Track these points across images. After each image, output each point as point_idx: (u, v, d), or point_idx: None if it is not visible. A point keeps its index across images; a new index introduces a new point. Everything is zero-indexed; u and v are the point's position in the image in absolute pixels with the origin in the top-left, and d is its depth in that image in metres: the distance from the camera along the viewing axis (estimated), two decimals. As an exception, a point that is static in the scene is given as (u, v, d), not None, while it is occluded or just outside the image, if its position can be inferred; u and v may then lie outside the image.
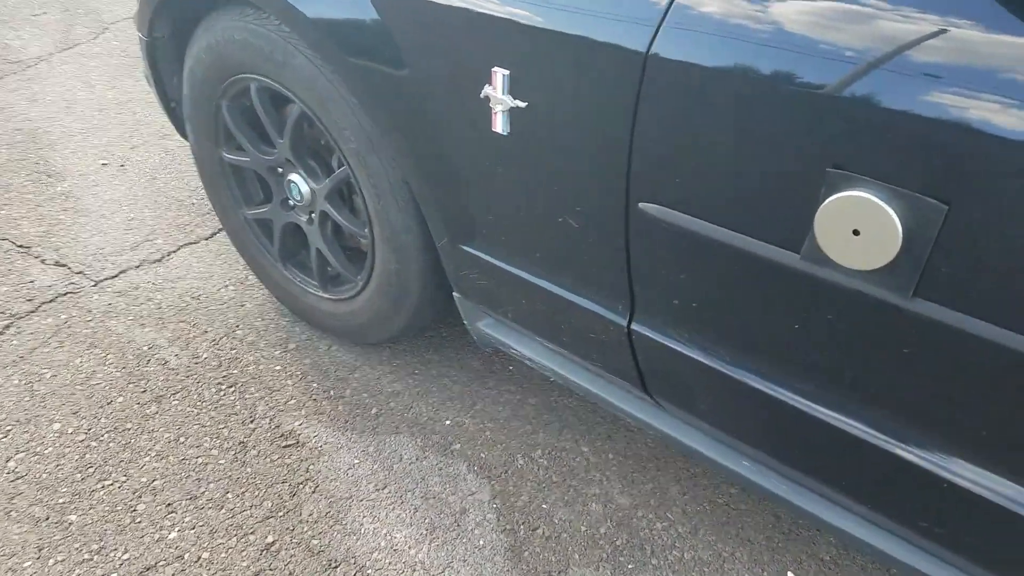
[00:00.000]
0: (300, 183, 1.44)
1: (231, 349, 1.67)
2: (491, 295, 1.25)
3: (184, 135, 1.74)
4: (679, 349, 1.00)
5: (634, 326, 1.04)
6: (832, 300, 0.80)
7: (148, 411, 1.51)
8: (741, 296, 0.89)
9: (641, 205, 0.91)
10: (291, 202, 1.51)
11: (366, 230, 1.36)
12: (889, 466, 0.87)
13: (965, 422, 0.78)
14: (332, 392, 1.59)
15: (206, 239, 2.03)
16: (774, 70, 0.73)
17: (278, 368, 1.63)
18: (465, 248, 1.21)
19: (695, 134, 0.81)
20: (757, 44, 0.74)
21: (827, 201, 0.73)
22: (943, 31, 0.65)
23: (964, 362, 0.74)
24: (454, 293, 1.34)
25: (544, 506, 1.36)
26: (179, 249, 1.99)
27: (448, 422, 1.53)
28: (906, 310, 0.75)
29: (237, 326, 1.74)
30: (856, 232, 0.73)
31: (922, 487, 0.85)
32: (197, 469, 1.40)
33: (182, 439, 1.46)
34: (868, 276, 0.75)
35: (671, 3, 0.80)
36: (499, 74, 0.95)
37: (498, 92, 0.97)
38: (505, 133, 1.00)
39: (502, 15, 0.92)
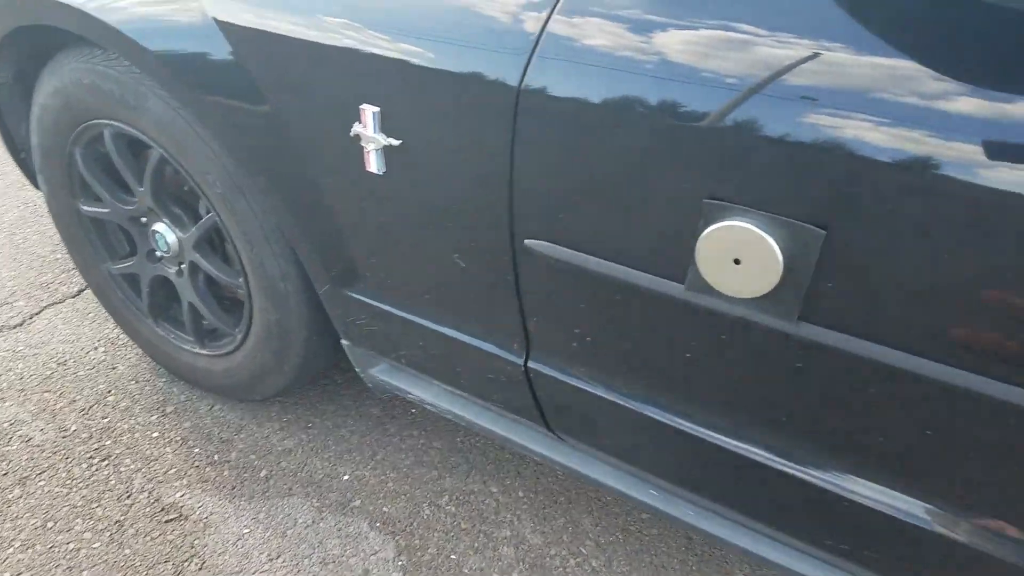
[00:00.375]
0: (166, 233, 1.34)
1: (103, 418, 1.53)
2: (381, 340, 1.19)
3: (38, 186, 1.60)
4: (577, 384, 0.98)
5: (531, 364, 1.01)
6: (720, 329, 0.79)
7: (10, 496, 1.36)
8: (633, 329, 0.86)
9: (527, 242, 0.88)
10: (158, 253, 1.40)
11: (240, 279, 1.27)
12: (788, 486, 0.86)
13: (859, 440, 0.78)
14: (216, 456, 1.47)
15: (72, 297, 1.87)
16: (647, 100, 0.71)
17: (156, 435, 1.50)
18: (349, 294, 1.14)
19: (573, 167, 0.78)
20: (630, 73, 0.72)
21: (706, 232, 0.72)
22: (816, 55, 0.65)
23: (853, 382, 0.74)
24: (342, 340, 1.27)
25: (453, 556, 1.30)
26: (42, 311, 1.82)
27: (346, 477, 1.44)
28: (793, 335, 0.74)
29: (109, 391, 1.60)
30: (737, 261, 0.72)
31: (821, 504, 0.85)
32: (68, 556, 1.26)
33: (50, 524, 1.31)
34: (753, 304, 0.74)
35: (542, 33, 0.77)
36: (369, 111, 0.90)
37: (369, 130, 0.91)
38: (380, 172, 0.94)
39: (368, 50, 0.87)
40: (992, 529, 0.76)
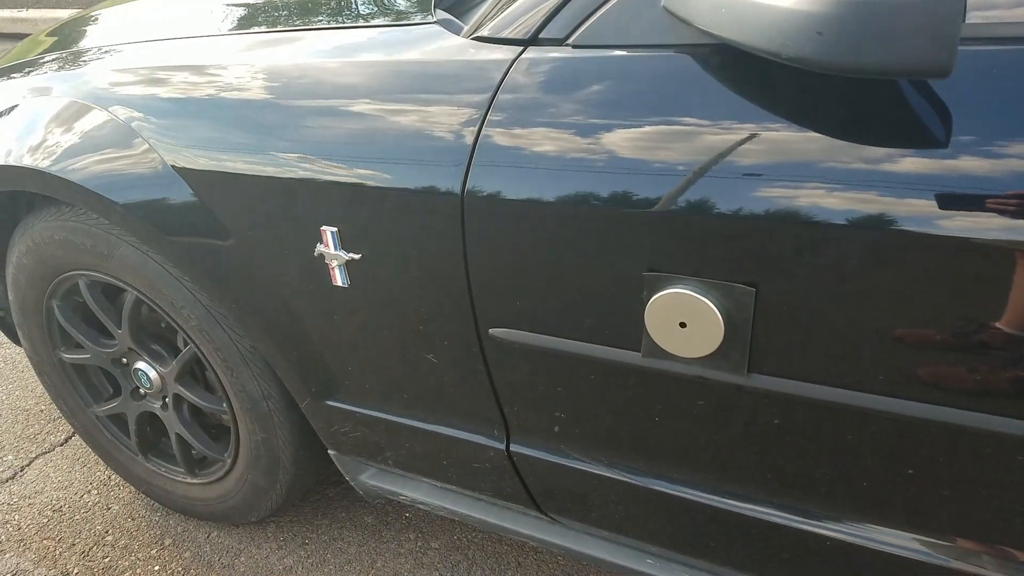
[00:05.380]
0: (147, 370, 1.37)
1: (103, 558, 1.52)
2: (367, 445, 1.21)
3: (18, 342, 1.63)
4: (559, 462, 1.00)
5: (513, 448, 1.04)
6: (682, 389, 0.83)
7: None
8: (602, 400, 0.91)
9: (492, 331, 0.92)
10: (142, 391, 1.43)
11: (224, 405, 1.30)
12: (772, 535, 0.89)
13: (838, 481, 0.81)
14: (218, 584, 1.46)
15: (60, 445, 1.87)
16: (579, 191, 0.78)
17: (157, 568, 1.49)
18: (331, 403, 1.17)
19: (522, 258, 0.84)
20: (557, 170, 0.79)
21: (651, 301, 0.77)
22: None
23: (810, 423, 0.78)
24: (329, 451, 1.29)
25: (465, 655, 1.28)
26: (32, 462, 1.82)
27: (349, 588, 1.43)
28: (747, 387, 0.79)
29: (106, 532, 1.59)
30: (683, 324, 0.77)
31: (811, 551, 0.87)
32: None
33: None
34: (705, 362, 0.79)
35: (476, 142, 0.85)
36: (328, 232, 0.96)
37: (330, 248, 0.97)
38: (345, 285, 1.00)
39: (321, 177, 0.94)
40: (963, 549, 0.79)
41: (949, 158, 0.63)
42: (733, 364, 0.78)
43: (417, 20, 1.01)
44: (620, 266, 0.79)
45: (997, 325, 0.64)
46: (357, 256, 0.96)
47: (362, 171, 0.91)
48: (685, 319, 0.77)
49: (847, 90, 0.68)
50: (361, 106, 0.93)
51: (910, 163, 0.64)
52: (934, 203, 0.63)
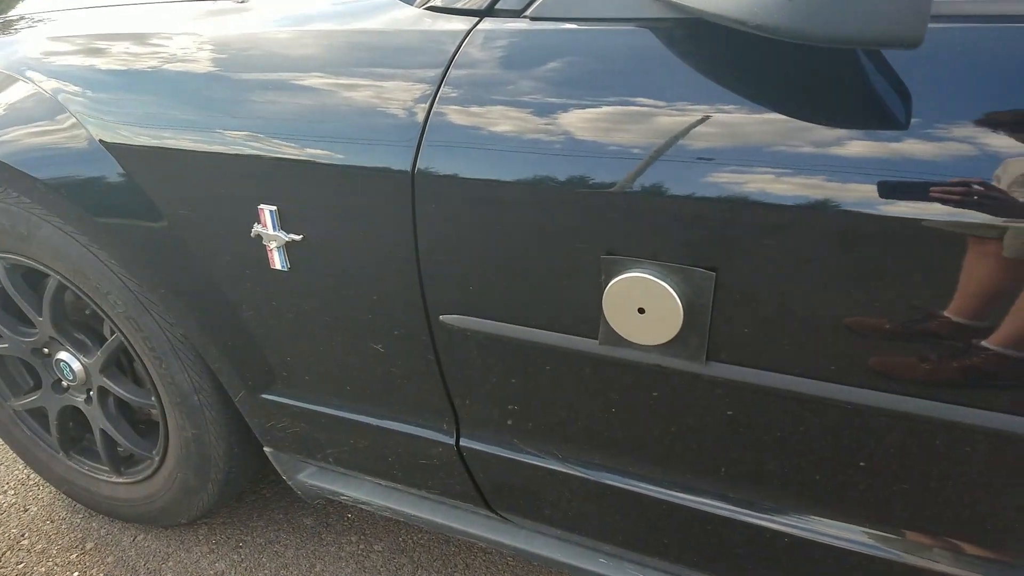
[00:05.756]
0: (70, 360, 1.29)
1: (18, 563, 1.42)
2: (306, 442, 1.15)
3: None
4: (511, 456, 0.97)
5: (463, 442, 1.00)
6: (639, 378, 0.80)
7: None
8: (557, 391, 0.87)
9: (443, 318, 0.88)
10: (64, 383, 1.34)
11: (153, 398, 1.22)
12: (730, 531, 0.86)
13: (801, 476, 0.79)
14: (144, 591, 1.37)
15: (-27, 443, 1.75)
16: (537, 172, 0.74)
17: (76, 574, 1.39)
18: (267, 397, 1.11)
19: (476, 241, 0.80)
20: (511, 151, 0.76)
21: (609, 286, 0.74)
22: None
23: (770, 414, 0.76)
24: (265, 448, 1.22)
25: (408, 662, 1.23)
26: (-60, 461, 1.70)
27: (286, 593, 1.37)
28: (704, 376, 0.76)
29: (22, 535, 1.48)
30: (641, 310, 0.74)
31: (769, 547, 0.85)
32: None
33: None
34: (664, 349, 0.76)
35: (427, 119, 0.80)
36: (266, 211, 0.90)
37: (269, 229, 0.91)
38: (285, 269, 0.94)
39: (261, 152, 0.88)
40: (915, 543, 0.77)
41: (902, 141, 0.61)
42: (691, 352, 0.75)
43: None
44: (577, 249, 0.75)
45: (950, 313, 0.63)
46: (298, 237, 0.91)
47: (306, 148, 0.86)
48: (644, 304, 0.73)
49: (808, 69, 0.66)
50: (311, 80, 0.88)
51: (863, 147, 0.62)
52: (892, 188, 0.61)
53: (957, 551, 0.77)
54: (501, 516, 1.10)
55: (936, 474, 0.72)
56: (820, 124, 0.64)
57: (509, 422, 0.94)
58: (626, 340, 0.77)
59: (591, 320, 0.78)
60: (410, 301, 0.89)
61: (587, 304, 0.78)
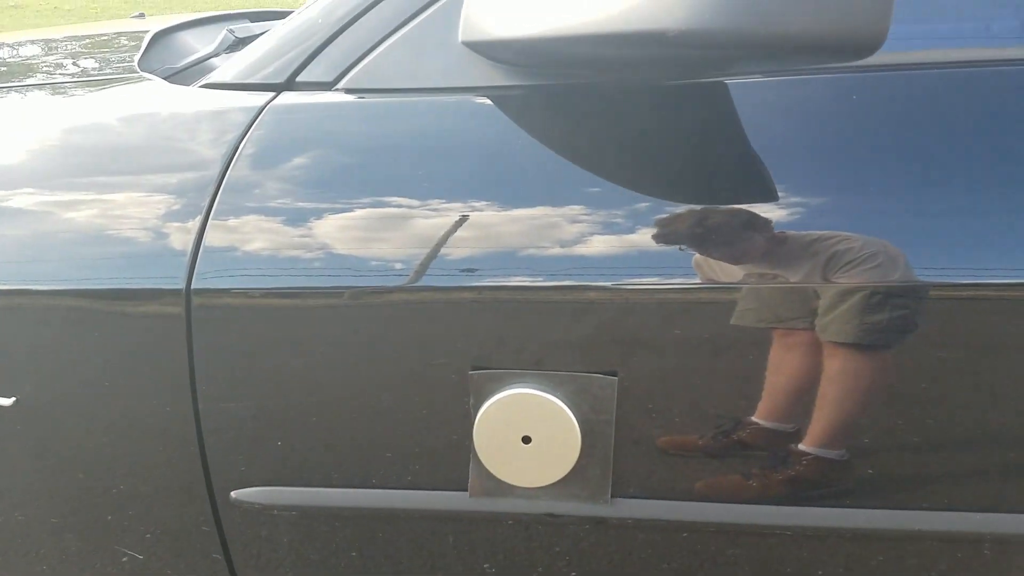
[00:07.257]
0: None
1: None
2: None
3: None
4: None
5: None
6: (525, 534, 0.61)
7: None
8: (410, 569, 0.64)
9: (234, 494, 0.63)
10: None
11: None
12: None
13: None
14: None
15: None
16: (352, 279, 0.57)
17: None
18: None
19: (279, 377, 0.58)
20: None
21: (482, 411, 0.56)
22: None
23: (690, 552, 0.60)
24: None
25: None
26: None
27: None
28: (611, 519, 0.59)
29: None
30: (527, 439, 0.56)
31: None
32: None
33: None
34: (556, 490, 0.58)
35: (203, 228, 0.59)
36: None
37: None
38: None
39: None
40: None
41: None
42: (593, 488, 0.57)
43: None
44: (432, 367, 0.57)
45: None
46: (8, 402, 0.62)
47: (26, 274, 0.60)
48: (529, 431, 0.56)
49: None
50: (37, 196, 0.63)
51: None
52: None
53: None
54: None
55: None
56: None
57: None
58: (507, 484, 0.58)
59: (456, 465, 0.58)
60: (185, 477, 0.63)
61: (451, 445, 0.58)
